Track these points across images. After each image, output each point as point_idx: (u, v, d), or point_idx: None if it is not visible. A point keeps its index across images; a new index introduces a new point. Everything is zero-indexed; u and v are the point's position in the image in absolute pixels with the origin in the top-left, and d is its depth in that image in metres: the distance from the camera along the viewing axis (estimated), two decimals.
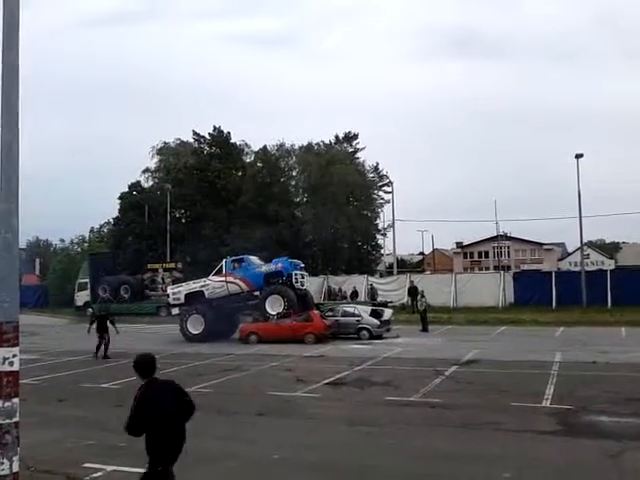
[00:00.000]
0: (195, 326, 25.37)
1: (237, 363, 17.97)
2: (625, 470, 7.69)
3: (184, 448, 5.53)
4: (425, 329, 26.90)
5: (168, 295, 27.85)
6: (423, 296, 28.25)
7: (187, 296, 26.59)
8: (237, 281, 26.15)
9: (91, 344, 24.05)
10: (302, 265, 27.57)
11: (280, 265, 26.36)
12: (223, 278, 26.25)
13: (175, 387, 5.69)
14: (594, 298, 34.33)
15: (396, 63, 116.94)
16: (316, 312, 25.10)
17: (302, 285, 26.28)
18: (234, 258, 27.25)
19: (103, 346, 20.33)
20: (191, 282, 27.85)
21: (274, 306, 25.06)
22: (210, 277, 26.87)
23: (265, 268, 26.51)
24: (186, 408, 5.61)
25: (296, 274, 26.03)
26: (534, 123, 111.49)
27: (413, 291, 35.93)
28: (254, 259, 27.61)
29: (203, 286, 26.52)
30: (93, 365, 18.07)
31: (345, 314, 25.12)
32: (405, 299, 37.63)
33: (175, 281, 36.49)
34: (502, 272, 44.65)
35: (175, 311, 27.05)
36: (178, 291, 27.27)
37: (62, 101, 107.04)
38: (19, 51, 6.22)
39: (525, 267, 70.55)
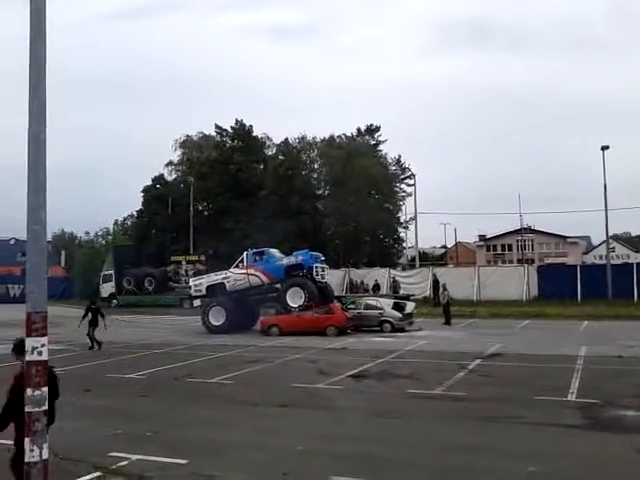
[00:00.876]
0: (217, 318, 25.56)
1: (260, 355, 18.07)
2: None
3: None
4: (448, 322, 26.81)
5: (190, 287, 28.08)
6: (446, 289, 28.17)
7: (208, 288, 26.80)
8: (258, 273, 26.28)
9: (117, 335, 24.42)
10: (322, 258, 27.60)
11: (301, 258, 26.45)
12: (244, 270, 26.39)
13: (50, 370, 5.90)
14: (619, 292, 33.95)
15: (416, 55, 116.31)
16: (337, 305, 25.13)
17: (322, 278, 26.32)
18: (255, 251, 27.37)
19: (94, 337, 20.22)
20: (212, 274, 28.05)
21: (295, 298, 25.15)
22: (231, 269, 27.04)
23: (286, 261, 26.61)
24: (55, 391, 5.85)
25: (317, 267, 26.07)
26: (559, 114, 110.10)
27: (436, 284, 36.17)
28: (275, 252, 27.71)
29: (225, 278, 26.70)
30: (118, 356, 18.28)
31: (367, 307, 25.12)
32: (428, 292, 37.54)
33: (197, 273, 36.73)
34: (526, 265, 44.31)
35: (197, 303, 27.32)
36: (200, 283, 27.49)
37: (88, 95, 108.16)
38: (46, 43, 6.25)
39: (549, 260, 69.79)
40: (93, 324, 20.49)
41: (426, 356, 17.42)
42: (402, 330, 23.99)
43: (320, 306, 24.53)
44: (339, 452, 8.20)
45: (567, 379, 12.89)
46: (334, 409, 11.06)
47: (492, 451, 8.22)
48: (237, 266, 26.92)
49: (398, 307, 25.24)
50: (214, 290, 26.55)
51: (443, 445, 8.58)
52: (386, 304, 25.38)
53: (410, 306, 26.02)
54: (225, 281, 26.58)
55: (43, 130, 6.14)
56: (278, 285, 26.22)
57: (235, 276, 26.50)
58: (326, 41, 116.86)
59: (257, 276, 26.28)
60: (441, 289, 28.42)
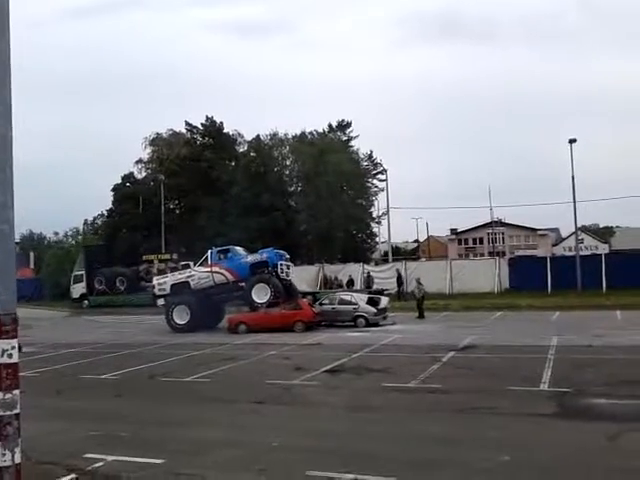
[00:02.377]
0: (181, 316, 25.44)
1: (235, 352, 18.01)
2: (623, 451, 7.74)
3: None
4: (422, 316, 26.99)
5: (154, 286, 27.74)
6: (420, 283, 28.33)
7: (173, 287, 26.58)
8: (223, 271, 26.17)
9: (90, 336, 24.16)
10: (287, 256, 27.63)
11: (265, 255, 26.53)
12: (209, 268, 26.23)
13: None
14: (589, 282, 34.55)
15: (387, 49, 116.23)
16: (304, 300, 25.20)
17: (287, 276, 26.37)
18: (220, 249, 27.27)
19: None
20: (177, 273, 27.88)
21: (260, 295, 25.16)
22: (195, 267, 26.90)
23: (251, 258, 26.61)
24: None
25: (281, 264, 26.13)
26: (527, 108, 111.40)
27: (399, 279, 37.59)
28: (239, 250, 27.68)
29: (189, 277, 26.56)
30: (92, 357, 18.06)
31: (342, 302, 25.19)
32: (394, 287, 37.84)
33: (160, 273, 36.18)
34: (497, 258, 44.83)
35: (161, 302, 26.94)
36: (164, 282, 27.26)
37: (51, 93, 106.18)
38: (10, 40, 6.14)
39: (519, 253, 70.65)
40: None
41: (401, 350, 17.54)
42: (376, 325, 24.10)
43: (288, 302, 24.57)
44: (315, 447, 8.21)
45: (539, 369, 13.07)
46: (310, 404, 11.09)
47: (467, 442, 8.30)
48: (201, 264, 26.77)
49: (372, 302, 25.35)
50: (178, 289, 26.33)
51: (419, 437, 8.65)
52: (360, 299, 25.48)
53: (384, 301, 26.16)
54: (189, 279, 26.42)
55: (9, 129, 6.04)
56: (243, 283, 26.11)
57: (199, 274, 26.36)
58: (296, 36, 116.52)
59: (222, 274, 26.16)
60: (415, 283, 28.54)
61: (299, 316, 23.47)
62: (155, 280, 28.35)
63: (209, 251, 26.91)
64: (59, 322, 35.03)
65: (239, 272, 26.14)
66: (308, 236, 56.71)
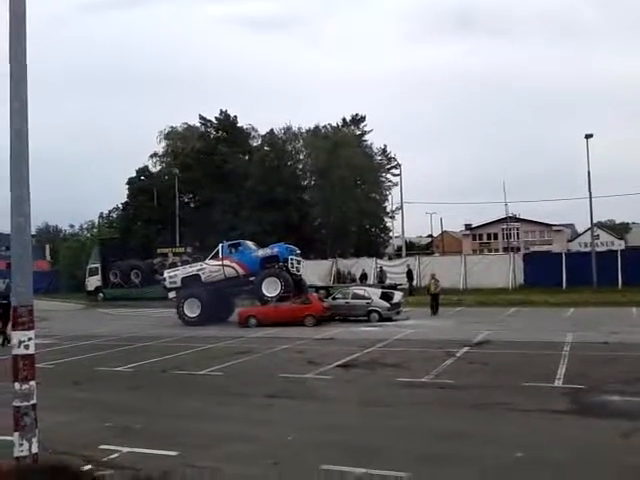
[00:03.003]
0: (192, 309, 25.54)
1: (248, 346, 18.07)
2: (637, 449, 7.69)
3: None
4: (435, 312, 26.72)
5: (165, 279, 27.88)
6: (437, 279, 27.64)
7: (184, 280, 26.69)
8: (233, 265, 26.24)
9: (105, 328, 24.36)
10: (298, 251, 27.63)
11: (276, 250, 26.57)
12: (219, 262, 26.31)
13: None
14: (604, 279, 34.23)
15: (401, 43, 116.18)
16: (314, 295, 25.19)
17: (298, 270, 26.39)
18: (230, 242, 27.36)
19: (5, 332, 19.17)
20: (187, 266, 27.97)
21: (270, 289, 25.20)
22: (206, 261, 26.97)
23: (261, 252, 26.68)
24: None
25: (292, 259, 26.14)
26: (543, 102, 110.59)
27: (409, 274, 37.55)
28: (250, 244, 27.77)
29: (200, 270, 26.64)
30: (107, 349, 18.21)
31: (355, 297, 25.16)
32: (415, 281, 37.80)
33: (172, 266, 36.32)
34: (512, 253, 44.60)
35: (172, 295, 27.04)
36: (174, 275, 27.37)
37: (68, 87, 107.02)
38: (26, 39, 6.22)
39: (534, 249, 70.31)
40: (3, 319, 19.57)
41: (414, 345, 17.51)
42: (390, 320, 24.07)
43: (298, 297, 24.58)
44: (329, 441, 8.23)
45: (554, 366, 13.00)
46: (323, 399, 11.10)
47: (480, 438, 8.29)
48: (212, 258, 26.85)
49: (386, 297, 25.30)
50: (189, 282, 26.44)
51: (432, 433, 8.64)
52: (374, 294, 25.44)
53: (398, 296, 26.09)
54: (200, 273, 26.51)
55: (25, 124, 6.13)
56: (253, 277, 26.17)
57: (210, 268, 26.44)
58: (310, 31, 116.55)
59: (232, 267, 26.22)
60: (432, 280, 27.71)
61: (309, 310, 23.51)
62: (166, 273, 28.44)
63: (220, 245, 26.99)
64: (75, 314, 35.34)
65: (249, 266, 26.20)
66: (322, 230, 56.72)
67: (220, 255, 26.49)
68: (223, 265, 26.19)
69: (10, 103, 6.09)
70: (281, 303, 24.42)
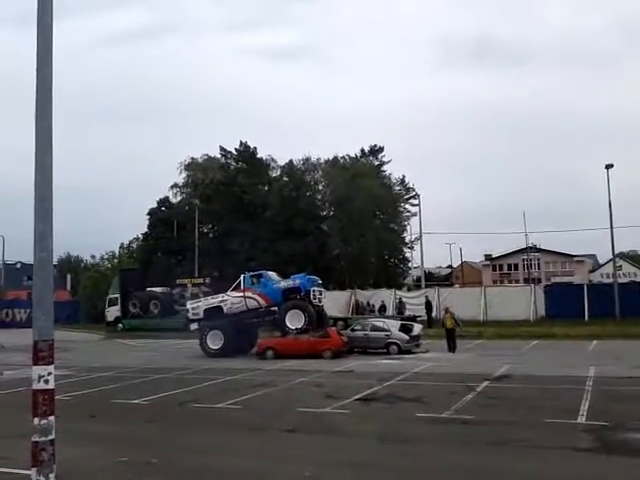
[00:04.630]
0: (214, 341, 25.48)
1: (266, 378, 17.96)
2: None
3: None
4: (452, 349, 24.56)
5: (187, 310, 27.95)
6: (452, 313, 25.59)
7: (206, 311, 26.71)
8: (255, 296, 26.23)
9: (123, 360, 24.39)
10: (320, 281, 27.56)
11: (298, 281, 26.44)
12: (241, 293, 26.33)
13: None
14: (627, 311, 33.74)
15: (418, 73, 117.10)
16: (333, 329, 25.01)
17: (320, 302, 26.28)
18: (252, 273, 27.29)
19: None
20: (209, 297, 28.01)
21: (294, 321, 25.09)
22: (228, 292, 26.99)
23: (283, 284, 26.58)
24: None
25: (314, 290, 26.03)
26: (563, 132, 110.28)
27: (428, 306, 37.01)
28: (272, 274, 27.70)
29: (222, 301, 26.64)
30: (124, 381, 18.20)
31: (374, 328, 24.98)
32: (434, 313, 37.43)
33: (196, 296, 36.50)
34: (533, 285, 44.21)
35: (194, 326, 27.02)
36: (197, 306, 27.39)
37: (88, 118, 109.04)
38: (53, 73, 6.33)
39: (556, 279, 69.59)
40: None
41: (434, 378, 17.29)
42: (409, 352, 23.83)
43: (315, 330, 24.45)
44: (347, 479, 8.10)
45: (576, 401, 12.75)
46: (342, 434, 10.96)
47: (501, 475, 8.13)
48: (234, 289, 26.88)
49: (405, 329, 25.09)
50: (211, 313, 26.46)
51: (452, 470, 8.48)
52: (393, 326, 25.25)
53: (417, 328, 25.86)
54: (222, 304, 26.50)
55: (49, 158, 6.19)
56: (275, 308, 26.14)
57: (232, 299, 26.44)
58: (328, 61, 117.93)
59: (254, 299, 26.21)
60: (447, 313, 25.47)
61: (328, 344, 23.33)
62: (189, 304, 28.52)
63: (242, 276, 27.01)
64: (93, 345, 35.47)
65: (271, 297, 26.18)
66: (340, 261, 56.69)
67: (242, 286, 26.51)
68: (245, 297, 26.21)
69: (35, 136, 6.18)
70: (300, 335, 24.31)
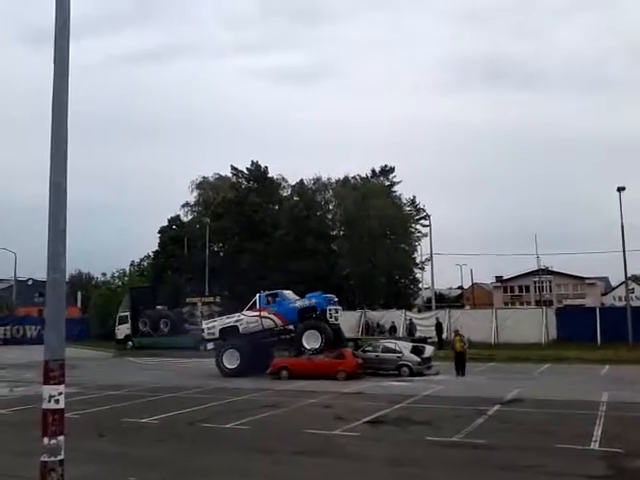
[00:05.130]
0: (231, 361, 25.37)
1: (275, 399, 17.86)
2: None
3: None
4: (460, 373, 24.17)
5: (203, 330, 27.90)
6: (462, 335, 25.54)
7: (222, 331, 26.66)
8: (271, 316, 26.12)
9: (133, 378, 24.35)
10: (336, 299, 27.45)
11: (314, 301, 26.30)
12: (257, 313, 26.27)
13: None
14: None
15: (429, 94, 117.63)
16: (348, 350, 24.77)
17: (336, 320, 26.09)
18: (268, 293, 27.14)
19: None
20: (224, 317, 27.96)
21: (310, 341, 24.93)
22: (244, 312, 26.92)
23: (299, 303, 26.45)
24: None
25: (330, 309, 25.88)
26: (574, 154, 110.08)
27: (439, 327, 36.68)
28: (288, 293, 27.59)
29: (237, 321, 26.55)
30: (133, 399, 18.17)
31: (386, 350, 24.81)
32: (445, 334, 37.17)
33: (210, 315, 36.58)
34: (544, 307, 43.85)
35: (210, 346, 27.01)
36: (212, 326, 27.34)
37: (99, 137, 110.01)
38: (68, 94, 6.39)
39: (567, 302, 69.10)
40: None
41: (444, 402, 17.14)
42: (421, 374, 23.65)
43: (331, 350, 24.33)
44: None
45: (589, 427, 12.59)
46: (350, 457, 10.86)
47: None
48: (250, 308, 26.82)
49: (417, 350, 24.92)
50: (227, 333, 26.41)
51: None
52: (404, 347, 25.07)
53: (429, 350, 25.66)
54: (238, 324, 26.41)
55: (64, 178, 6.21)
56: (291, 327, 26.07)
57: (248, 319, 26.36)
58: (339, 81, 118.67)
59: (270, 318, 26.12)
60: (457, 336, 25.49)
61: (342, 366, 23.13)
62: (204, 324, 28.46)
63: (257, 295, 26.87)
64: (103, 363, 35.45)
65: (287, 317, 26.07)
66: (350, 281, 56.58)
67: (258, 306, 26.46)
68: (261, 316, 26.17)
69: (50, 156, 6.21)
70: (315, 356, 24.17)
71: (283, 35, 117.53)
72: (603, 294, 78.20)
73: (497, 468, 9.77)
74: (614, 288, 74.71)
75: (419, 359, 24.18)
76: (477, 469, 9.82)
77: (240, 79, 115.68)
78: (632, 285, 56.70)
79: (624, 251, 37.48)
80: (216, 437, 12.68)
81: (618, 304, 52.80)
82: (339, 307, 27.29)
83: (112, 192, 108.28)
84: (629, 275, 42.65)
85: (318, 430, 12.85)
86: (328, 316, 25.57)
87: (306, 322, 25.54)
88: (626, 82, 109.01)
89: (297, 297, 27.36)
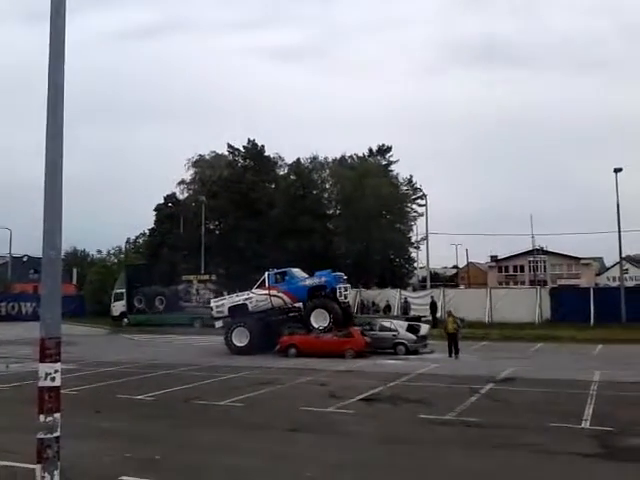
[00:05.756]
0: (240, 339, 25.41)
1: (273, 376, 17.97)
2: None
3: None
4: (453, 354, 23.53)
5: (212, 308, 27.88)
6: (455, 316, 24.84)
7: (230, 309, 26.71)
8: (280, 294, 26.20)
9: (129, 355, 24.46)
10: (345, 277, 27.46)
11: (324, 279, 26.36)
12: (266, 291, 26.30)
13: None
14: (634, 315, 33.61)
15: (426, 74, 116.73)
16: (357, 329, 24.77)
17: (345, 298, 26.16)
18: (277, 271, 27.05)
19: None
20: (234, 295, 27.93)
21: (319, 320, 25.02)
22: (253, 290, 26.88)
23: (309, 282, 26.47)
24: None
25: (340, 287, 25.90)
26: (572, 134, 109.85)
27: (433, 306, 36.86)
28: (297, 272, 27.54)
29: (247, 299, 26.58)
30: (129, 376, 18.26)
31: (382, 328, 24.92)
32: (439, 313, 37.32)
33: (218, 295, 36.50)
34: (539, 287, 44.07)
35: (219, 324, 27.10)
36: (222, 304, 27.37)
37: (96, 114, 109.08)
38: (64, 71, 6.32)
39: (562, 282, 69.40)
40: None
41: (438, 380, 17.28)
42: (416, 352, 23.82)
43: (340, 328, 24.40)
44: None
45: (581, 405, 12.73)
46: (344, 434, 10.96)
47: (504, 479, 8.11)
48: (259, 286, 26.80)
49: (412, 329, 25.06)
50: (236, 311, 26.46)
51: (454, 473, 8.48)
52: (400, 326, 25.21)
53: (425, 328, 25.83)
54: (247, 302, 26.46)
55: (60, 156, 6.18)
56: (300, 305, 26.11)
57: (257, 297, 26.40)
58: (337, 60, 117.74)
59: (279, 297, 26.20)
60: (450, 316, 24.71)
61: (350, 344, 23.15)
62: (213, 302, 28.46)
63: (266, 273, 26.86)
64: (99, 340, 35.59)
65: (297, 295, 26.14)
66: (346, 259, 56.63)
67: (267, 284, 26.45)
68: (270, 295, 26.18)
69: (46, 133, 6.16)
70: (323, 334, 24.27)
71: (280, 14, 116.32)
72: (597, 274, 78.56)
73: (490, 446, 9.87)
74: (608, 268, 75.04)
75: (415, 337, 24.34)
76: (469, 447, 9.92)
77: (237, 57, 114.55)
78: (626, 265, 56.97)
79: (619, 231, 37.69)
80: (211, 414, 12.77)
81: (612, 284, 53.01)
82: (348, 285, 27.31)
83: (108, 169, 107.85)
84: (623, 255, 42.81)
85: (312, 407, 12.95)
86: (338, 294, 25.61)
87: (315, 300, 25.58)
88: (621, 62, 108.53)
89: (306, 275, 27.38)
